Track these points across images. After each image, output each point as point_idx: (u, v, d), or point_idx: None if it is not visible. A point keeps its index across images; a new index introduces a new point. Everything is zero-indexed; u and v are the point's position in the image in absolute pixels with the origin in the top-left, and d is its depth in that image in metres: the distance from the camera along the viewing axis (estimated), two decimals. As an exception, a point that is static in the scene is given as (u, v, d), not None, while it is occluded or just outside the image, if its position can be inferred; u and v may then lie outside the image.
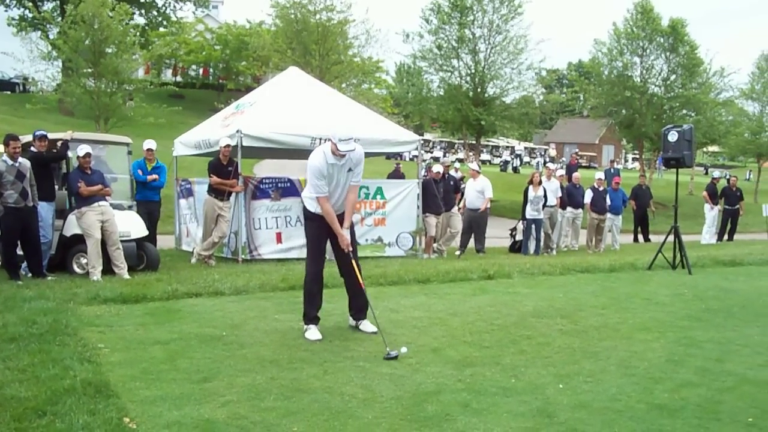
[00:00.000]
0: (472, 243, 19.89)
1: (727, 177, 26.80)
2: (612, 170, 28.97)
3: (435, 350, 7.89)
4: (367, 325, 8.66)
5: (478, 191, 19.72)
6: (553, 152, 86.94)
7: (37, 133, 13.74)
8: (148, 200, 15.76)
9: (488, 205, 20.17)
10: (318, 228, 8.51)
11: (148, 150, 16.24)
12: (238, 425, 5.65)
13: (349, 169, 8.39)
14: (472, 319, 9.43)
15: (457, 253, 19.48)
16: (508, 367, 7.32)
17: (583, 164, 69.33)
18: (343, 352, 7.70)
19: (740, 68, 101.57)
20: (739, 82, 49.92)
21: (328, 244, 8.74)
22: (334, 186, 8.36)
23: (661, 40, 43.44)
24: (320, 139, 15.66)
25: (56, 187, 14.23)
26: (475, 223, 19.65)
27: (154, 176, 16.06)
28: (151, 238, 15.48)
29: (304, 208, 8.66)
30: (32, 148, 13.43)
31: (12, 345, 7.52)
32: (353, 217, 8.82)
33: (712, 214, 25.70)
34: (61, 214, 13.95)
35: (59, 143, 13.98)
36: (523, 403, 6.28)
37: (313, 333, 8.33)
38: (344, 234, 8.41)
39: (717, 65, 44.74)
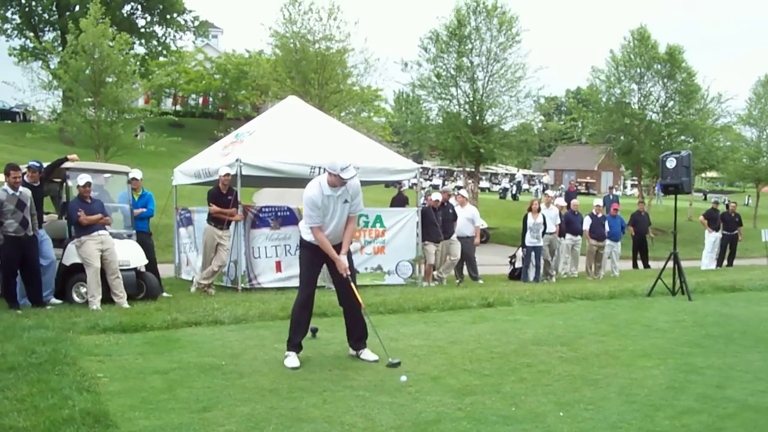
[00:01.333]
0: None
1: (726, 203, 26.81)
2: (611, 197, 29.03)
3: (435, 379, 7.87)
4: (367, 354, 8.66)
5: (467, 218, 19.71)
6: (546, 179, 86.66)
7: (29, 163, 13.75)
8: (138, 231, 15.50)
9: (479, 234, 20.23)
10: (312, 256, 8.60)
11: (133, 179, 16.02)
12: (238, 455, 5.63)
13: (345, 200, 8.45)
14: (472, 347, 9.42)
15: (457, 281, 19.48)
16: (508, 395, 7.31)
17: (582, 191, 69.39)
18: (342, 381, 7.69)
19: (737, 94, 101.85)
20: (737, 107, 50.01)
21: (324, 272, 8.79)
22: (330, 216, 8.42)
23: (659, 67, 43.46)
24: (319, 168, 15.68)
25: (44, 218, 14.20)
26: (465, 251, 19.62)
27: (142, 210, 15.91)
28: (153, 268, 15.41)
29: (300, 237, 8.74)
30: (25, 178, 13.41)
31: (11, 374, 7.51)
32: (353, 246, 8.86)
33: (711, 239, 25.69)
34: (61, 243, 13.95)
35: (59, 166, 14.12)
36: (523, 432, 6.27)
37: (292, 360, 8.35)
38: (341, 259, 8.45)
39: (714, 91, 44.80)
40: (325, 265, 8.81)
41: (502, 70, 39.15)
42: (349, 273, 8.55)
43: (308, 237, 8.58)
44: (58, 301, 13.46)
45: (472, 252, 19.91)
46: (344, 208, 8.52)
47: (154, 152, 33.20)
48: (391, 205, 26.44)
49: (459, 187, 46.34)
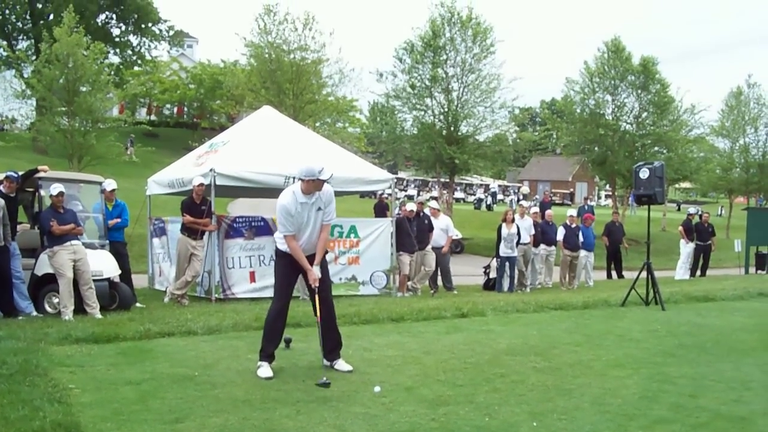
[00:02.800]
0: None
1: (700, 213, 27.00)
2: (585, 207, 29.15)
3: (408, 389, 7.85)
4: (341, 365, 8.62)
5: (441, 229, 19.75)
6: (525, 189, 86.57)
7: (8, 174, 13.61)
8: (112, 241, 15.34)
9: (449, 243, 20.23)
10: (286, 266, 8.56)
11: (112, 191, 15.88)
12: (210, 466, 5.59)
13: (319, 208, 8.43)
14: (445, 358, 9.41)
15: (432, 291, 19.46)
16: (482, 405, 7.30)
17: (557, 201, 69.65)
18: (315, 392, 7.65)
19: (710, 106, 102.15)
20: (710, 119, 50.36)
21: (300, 282, 8.78)
22: (305, 224, 8.39)
23: (633, 78, 43.79)
24: (294, 178, 15.66)
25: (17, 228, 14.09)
26: (440, 262, 19.69)
27: (117, 219, 15.80)
28: (127, 278, 15.33)
29: (276, 247, 8.70)
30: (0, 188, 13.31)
31: (-19, 386, 7.42)
32: (328, 256, 8.83)
33: (687, 250, 25.78)
34: (33, 253, 13.83)
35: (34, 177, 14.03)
36: (497, 442, 6.26)
37: (265, 370, 8.31)
38: (313, 270, 8.42)
39: (687, 103, 45.14)
40: (300, 276, 8.79)
41: (476, 80, 39.30)
42: (317, 285, 8.53)
43: (283, 247, 8.53)
44: (39, 314, 13.28)
45: (447, 263, 19.95)
46: (318, 216, 8.48)
47: (128, 162, 33.08)
48: (375, 211, 26.81)
49: (434, 198, 46.51)
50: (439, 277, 19.97)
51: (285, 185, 15.62)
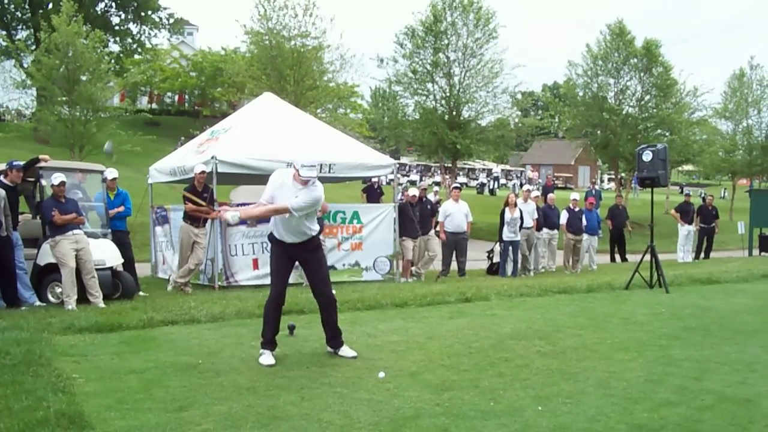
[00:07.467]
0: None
1: (703, 196, 26.93)
2: (593, 191, 29.22)
3: (413, 374, 7.83)
4: (345, 351, 8.60)
5: (465, 214, 19.77)
6: (533, 174, 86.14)
7: (14, 163, 13.55)
8: (115, 230, 15.29)
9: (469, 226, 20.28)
10: (281, 252, 8.56)
11: (113, 179, 15.86)
12: (215, 454, 5.57)
13: (296, 196, 8.30)
14: (450, 343, 9.40)
15: (443, 275, 19.38)
16: (486, 390, 7.28)
17: (560, 185, 69.56)
18: (320, 378, 7.64)
19: (713, 88, 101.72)
20: (713, 101, 50.21)
21: (300, 270, 8.78)
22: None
23: (635, 61, 43.71)
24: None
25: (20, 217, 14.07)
26: (462, 246, 19.72)
27: (119, 208, 15.75)
28: (130, 267, 15.31)
29: (270, 234, 8.68)
30: (1, 178, 13.27)
31: (-16, 377, 7.41)
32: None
33: (683, 231, 25.69)
34: (35, 243, 13.81)
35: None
36: (502, 426, 6.24)
37: (266, 358, 8.30)
38: (223, 211, 8.61)
39: (690, 85, 45.07)
40: (299, 263, 8.77)
41: (478, 65, 39.32)
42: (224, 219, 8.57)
43: (276, 234, 8.54)
44: (43, 304, 13.29)
45: (466, 246, 20.01)
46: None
47: (129, 151, 33.06)
48: (366, 194, 26.80)
49: (437, 183, 46.46)
50: (454, 262, 19.91)
51: (287, 172, 15.61)
